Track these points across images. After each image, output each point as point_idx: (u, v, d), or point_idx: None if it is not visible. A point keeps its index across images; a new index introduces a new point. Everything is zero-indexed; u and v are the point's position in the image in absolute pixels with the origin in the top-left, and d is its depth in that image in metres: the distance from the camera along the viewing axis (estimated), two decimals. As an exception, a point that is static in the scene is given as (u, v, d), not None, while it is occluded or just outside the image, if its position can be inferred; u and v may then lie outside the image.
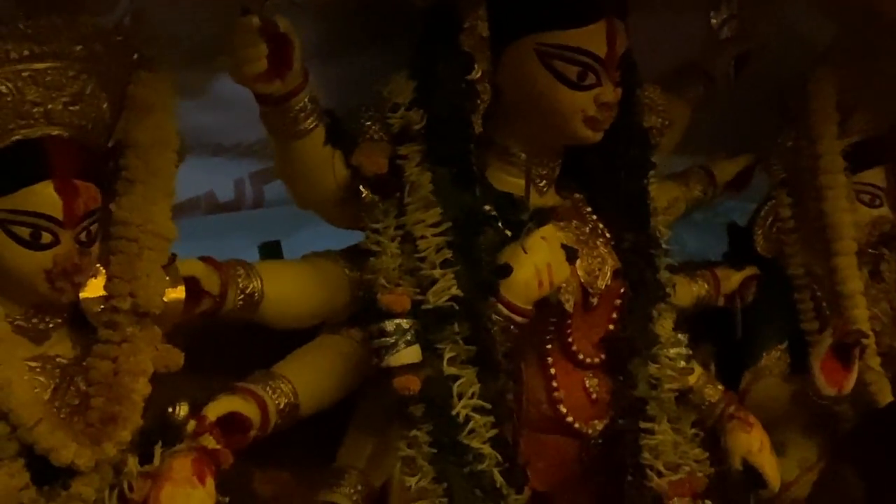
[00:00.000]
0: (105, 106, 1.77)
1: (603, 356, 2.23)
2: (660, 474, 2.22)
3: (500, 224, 2.10)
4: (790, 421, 2.61)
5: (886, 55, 2.58)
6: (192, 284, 1.88)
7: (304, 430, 2.07)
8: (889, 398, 2.56)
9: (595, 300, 2.20)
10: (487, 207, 2.11)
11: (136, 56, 1.81)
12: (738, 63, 2.59)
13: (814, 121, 2.63)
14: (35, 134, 1.71)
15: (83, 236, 1.75)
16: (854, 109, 2.66)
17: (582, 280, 2.18)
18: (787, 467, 2.55)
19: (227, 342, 2.10)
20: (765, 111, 2.71)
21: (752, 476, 2.41)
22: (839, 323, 2.52)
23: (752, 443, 2.41)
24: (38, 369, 1.76)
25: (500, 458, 2.02)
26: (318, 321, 2.13)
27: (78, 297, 1.78)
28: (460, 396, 2.01)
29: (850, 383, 2.44)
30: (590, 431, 2.22)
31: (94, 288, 1.79)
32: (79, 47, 1.72)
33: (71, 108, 1.72)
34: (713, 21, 2.59)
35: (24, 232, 1.70)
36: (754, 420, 2.45)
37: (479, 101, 2.11)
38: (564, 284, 2.12)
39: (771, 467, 2.41)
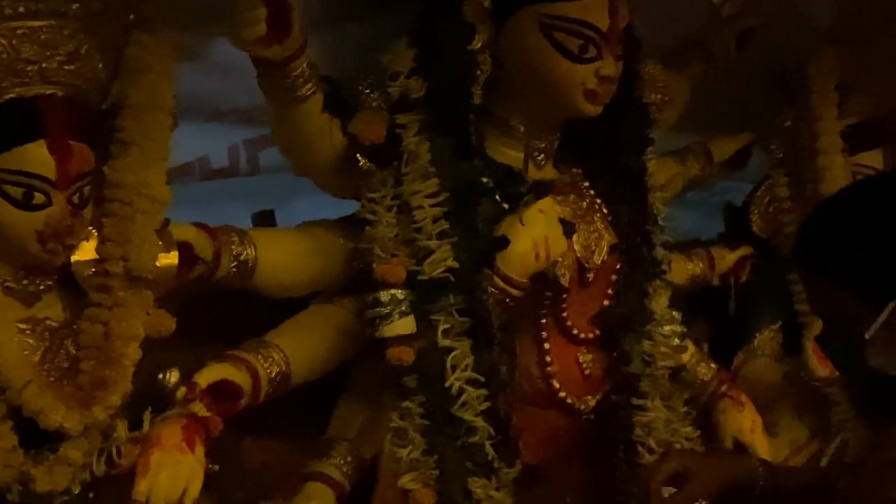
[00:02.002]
0: (101, 66, 1.75)
1: (597, 331, 2.22)
2: (651, 451, 2.22)
3: (497, 196, 2.10)
4: (781, 401, 2.60)
5: (887, 37, 2.57)
6: (185, 249, 1.87)
7: (294, 399, 2.07)
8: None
9: (591, 275, 2.20)
10: (485, 179, 2.10)
11: (133, 17, 1.78)
12: (739, 41, 2.57)
13: (813, 101, 2.62)
14: (29, 93, 1.68)
15: (76, 198, 1.72)
16: (854, 90, 2.65)
17: (578, 255, 2.17)
18: (778, 448, 2.55)
19: (220, 309, 2.09)
20: (764, 90, 2.70)
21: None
22: None
23: (743, 422, 2.42)
24: (27, 331, 1.74)
25: (492, 431, 2.02)
26: (312, 290, 2.13)
27: (69, 259, 1.76)
28: (454, 368, 2.01)
29: (842, 365, 2.43)
30: (582, 407, 2.21)
31: (86, 251, 1.77)
32: (75, 6, 1.69)
33: (66, 67, 1.70)
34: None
35: (17, 192, 1.68)
36: (746, 399, 2.45)
37: (479, 72, 2.09)
38: (561, 259, 2.12)
39: (762, 447, 2.41)
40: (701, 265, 2.63)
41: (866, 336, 1.57)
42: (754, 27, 2.56)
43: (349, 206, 2.13)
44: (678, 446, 2.26)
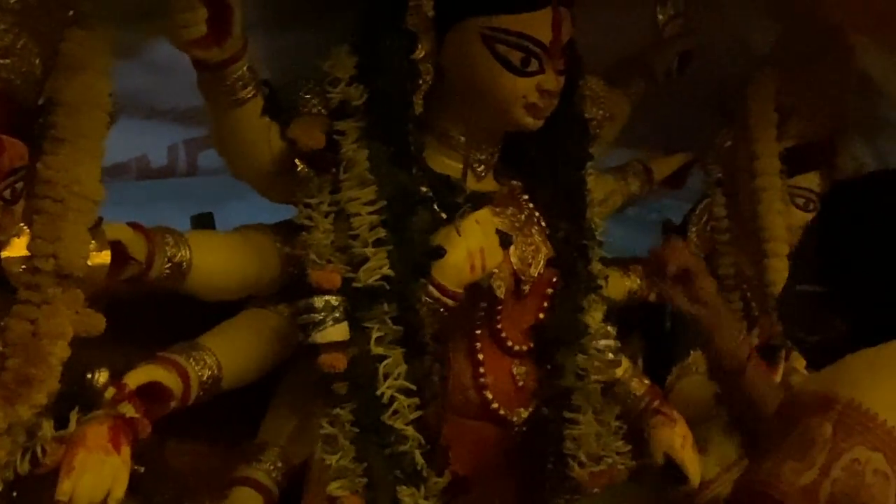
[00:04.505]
0: (37, 61, 1.73)
1: (532, 344, 2.23)
2: (581, 464, 2.23)
3: (435, 206, 2.10)
4: (713, 419, 2.62)
5: (827, 60, 2.61)
6: (117, 249, 1.85)
7: (222, 402, 2.05)
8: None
9: (526, 288, 2.21)
10: (424, 188, 2.10)
11: (71, 13, 1.77)
12: (680, 61, 2.60)
13: (752, 122, 2.65)
14: None
15: (7, 193, 1.71)
16: (792, 113, 2.69)
17: (514, 267, 2.18)
18: (708, 465, 2.56)
19: (152, 310, 2.07)
20: (704, 110, 2.73)
21: (673, 471, 2.42)
22: (767, 324, 2.54)
23: (674, 438, 2.42)
24: (-47, 327, 1.72)
25: (422, 440, 2.02)
26: (247, 294, 2.12)
27: (-1, 255, 1.74)
28: (386, 377, 2.01)
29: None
30: (514, 419, 2.22)
31: (16, 247, 1.75)
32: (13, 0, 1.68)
33: (1, 61, 1.68)
34: (659, 17, 2.61)
35: None
36: (678, 416, 2.46)
37: (420, 82, 2.11)
38: (497, 270, 2.13)
39: (692, 463, 2.42)
40: (638, 281, 2.65)
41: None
42: (695, 48, 2.59)
43: (288, 211, 2.12)
44: (609, 461, 2.27)
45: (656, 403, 2.46)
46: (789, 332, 1.69)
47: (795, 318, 1.63)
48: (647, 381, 2.49)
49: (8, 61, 1.69)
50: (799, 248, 1.68)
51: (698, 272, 1.91)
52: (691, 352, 2.68)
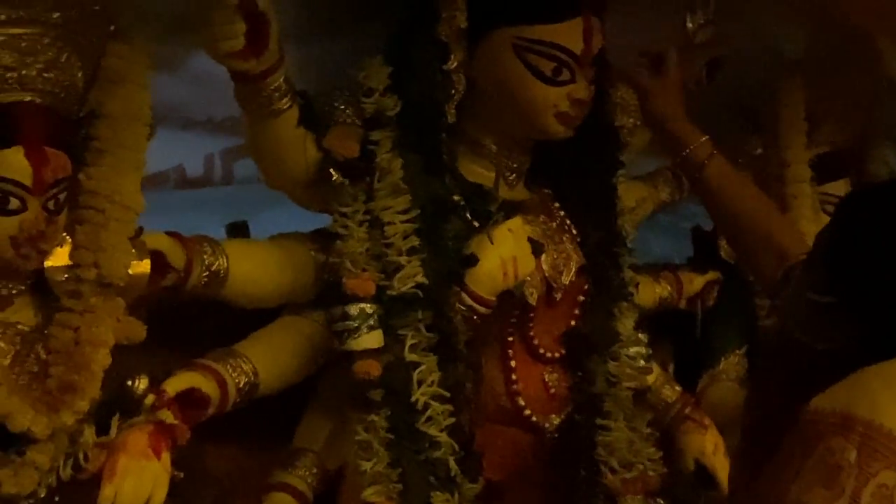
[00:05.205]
0: (79, 74, 1.76)
1: (563, 351, 2.24)
2: (613, 471, 2.24)
3: (468, 214, 2.12)
4: (744, 425, 2.62)
5: (856, 67, 2.61)
6: (157, 258, 1.88)
7: (259, 409, 2.07)
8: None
9: (558, 295, 2.22)
10: (456, 197, 2.12)
11: (112, 27, 1.80)
12: (710, 69, 2.61)
13: (782, 130, 2.65)
14: (7, 99, 1.70)
15: (51, 204, 1.74)
16: (822, 120, 2.69)
17: (546, 274, 2.19)
18: (739, 472, 2.57)
19: (190, 318, 2.10)
20: (734, 118, 2.73)
21: (704, 478, 2.43)
22: None
23: (706, 444, 2.43)
24: (-2, 335, 1.75)
25: (456, 446, 2.03)
26: (282, 302, 2.14)
27: (43, 264, 1.77)
28: (420, 383, 2.02)
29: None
30: (546, 425, 2.23)
31: (59, 257, 1.78)
32: (56, 14, 1.71)
33: (45, 74, 1.71)
34: (689, 26, 2.60)
35: None
36: (709, 422, 2.47)
37: (453, 91, 2.12)
38: (529, 278, 2.14)
39: (723, 470, 2.42)
40: (669, 288, 2.66)
41: None
42: (725, 56, 2.59)
43: (322, 219, 2.14)
44: (640, 467, 2.28)
45: (687, 410, 2.47)
46: (796, 336, 1.67)
47: (803, 324, 1.62)
48: (678, 388, 2.50)
49: (52, 75, 1.72)
50: (809, 257, 1.66)
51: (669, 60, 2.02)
52: (722, 358, 2.70)
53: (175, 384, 1.91)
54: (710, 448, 2.43)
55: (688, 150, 2.07)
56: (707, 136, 2.08)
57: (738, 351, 2.70)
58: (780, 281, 1.86)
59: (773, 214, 2.04)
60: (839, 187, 2.72)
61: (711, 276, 2.72)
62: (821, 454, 1.43)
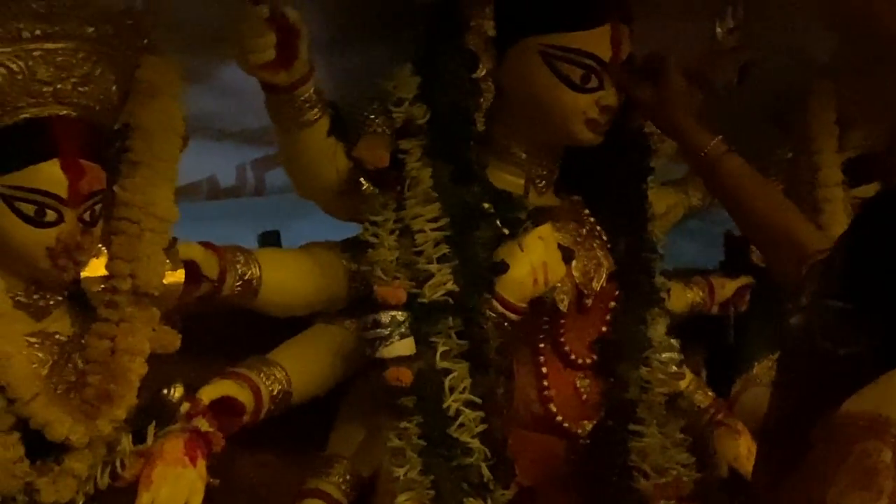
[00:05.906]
0: (113, 88, 1.79)
1: (595, 357, 2.25)
2: (646, 476, 2.24)
3: (498, 222, 2.12)
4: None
5: (887, 71, 2.60)
6: (191, 268, 1.90)
7: (292, 416, 2.09)
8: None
9: (589, 301, 2.22)
10: (486, 205, 2.13)
11: (145, 41, 1.83)
12: (740, 73, 2.60)
13: (813, 134, 2.65)
14: (44, 113, 1.72)
15: (87, 216, 1.76)
16: (853, 124, 2.68)
17: (577, 281, 2.20)
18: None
19: (224, 327, 2.12)
20: (764, 122, 2.72)
21: (738, 483, 2.43)
22: None
23: (739, 450, 2.43)
24: (36, 345, 1.78)
25: (488, 452, 2.04)
26: (314, 310, 2.15)
27: (79, 275, 1.80)
28: (451, 390, 2.03)
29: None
30: (579, 431, 2.23)
31: (95, 267, 1.81)
32: (90, 29, 1.74)
33: (80, 88, 1.74)
34: (718, 30, 2.61)
35: (29, 209, 1.72)
36: (742, 427, 2.47)
37: (482, 100, 2.13)
38: (559, 284, 2.15)
39: (757, 475, 2.43)
40: (700, 293, 2.66)
41: None
42: (755, 60, 2.59)
43: (353, 228, 2.16)
44: (674, 473, 2.28)
45: (720, 415, 2.47)
46: (818, 342, 1.67)
47: (824, 330, 1.61)
48: (710, 394, 2.50)
49: (87, 88, 1.75)
50: (827, 262, 1.66)
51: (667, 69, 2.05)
52: (755, 363, 2.69)
53: (210, 392, 1.94)
54: (744, 453, 2.43)
55: (703, 153, 2.06)
56: (720, 137, 2.08)
57: (771, 356, 2.68)
58: (804, 279, 1.86)
59: (789, 210, 2.03)
60: (871, 191, 2.70)
61: (743, 280, 2.72)
62: (856, 457, 1.43)
